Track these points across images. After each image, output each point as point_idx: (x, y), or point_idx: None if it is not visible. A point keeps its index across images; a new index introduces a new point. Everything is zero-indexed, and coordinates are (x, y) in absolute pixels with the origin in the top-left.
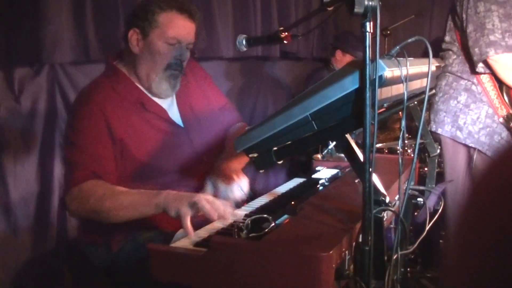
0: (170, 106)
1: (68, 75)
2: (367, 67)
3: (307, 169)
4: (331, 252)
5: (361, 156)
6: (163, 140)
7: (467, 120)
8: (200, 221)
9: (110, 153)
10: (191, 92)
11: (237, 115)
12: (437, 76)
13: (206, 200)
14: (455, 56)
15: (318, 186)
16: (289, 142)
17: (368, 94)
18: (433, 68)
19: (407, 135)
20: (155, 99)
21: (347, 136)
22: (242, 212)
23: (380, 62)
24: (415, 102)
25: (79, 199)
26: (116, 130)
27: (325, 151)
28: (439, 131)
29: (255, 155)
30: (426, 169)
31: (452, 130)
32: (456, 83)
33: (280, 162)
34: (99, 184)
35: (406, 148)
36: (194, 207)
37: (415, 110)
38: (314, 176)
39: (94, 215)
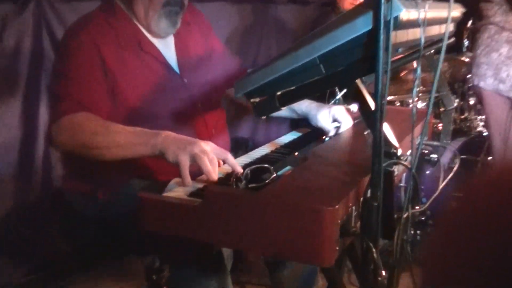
0: (168, 49)
1: (56, 11)
2: (382, 6)
3: None
4: (336, 206)
5: (372, 105)
6: (157, 84)
7: (510, 73)
8: (198, 169)
9: (102, 88)
10: (191, 37)
11: (238, 63)
12: (479, 29)
13: (207, 155)
14: (497, 7)
15: (323, 137)
16: (294, 87)
17: (381, 37)
18: (455, 13)
19: (421, 87)
20: (153, 40)
21: (358, 81)
22: (241, 161)
23: (396, 1)
24: (432, 51)
25: (69, 131)
26: (109, 65)
27: (333, 100)
28: (481, 84)
29: (257, 100)
30: (440, 125)
31: (494, 83)
32: (498, 35)
33: (283, 109)
34: (92, 118)
35: (419, 100)
36: (193, 159)
37: (431, 59)
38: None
39: (84, 150)
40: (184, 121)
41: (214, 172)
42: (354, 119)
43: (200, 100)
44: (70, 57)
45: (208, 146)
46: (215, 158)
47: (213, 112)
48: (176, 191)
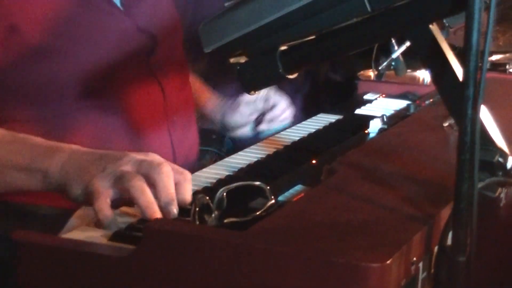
0: None
1: None
2: None
3: (345, 98)
4: (388, 261)
5: (459, 72)
6: (82, 22)
7: None
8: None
9: None
10: None
11: None
12: None
13: (142, 176)
14: None
15: (365, 131)
16: (312, 38)
17: None
18: None
19: None
20: None
21: (433, 28)
22: (212, 173)
23: None
24: None
25: None
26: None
27: (384, 62)
28: None
29: (242, 59)
30: None
31: None
32: None
33: (291, 77)
34: None
35: None
36: (119, 183)
37: None
38: (358, 111)
39: None
40: (124, 92)
41: (170, 194)
42: (419, 99)
43: (156, 56)
44: None
45: (145, 155)
46: (167, 167)
47: (176, 79)
48: (87, 230)
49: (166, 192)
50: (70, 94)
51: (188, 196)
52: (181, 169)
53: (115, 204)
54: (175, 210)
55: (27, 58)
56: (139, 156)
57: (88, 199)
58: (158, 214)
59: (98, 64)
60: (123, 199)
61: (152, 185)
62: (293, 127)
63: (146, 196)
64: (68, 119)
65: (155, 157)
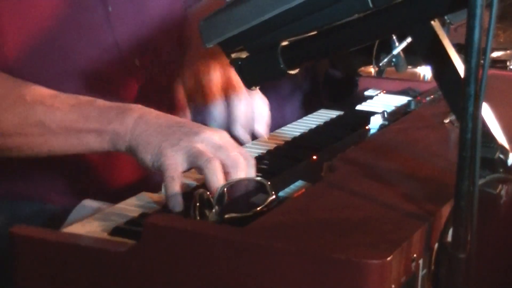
0: None
1: None
2: None
3: (347, 94)
4: (389, 258)
5: (461, 69)
6: (57, 13)
7: None
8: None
9: None
10: None
11: None
12: None
13: (220, 154)
14: None
15: (366, 127)
16: (313, 33)
17: None
18: None
19: None
20: None
21: (435, 24)
22: None
23: None
24: None
25: None
26: None
27: (385, 59)
28: None
29: (243, 55)
30: None
31: None
32: None
33: (293, 72)
34: None
35: None
36: (193, 160)
37: None
38: (359, 107)
39: None
40: (106, 90)
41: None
42: (420, 95)
43: (137, 50)
44: None
45: (221, 138)
46: (242, 162)
47: (167, 79)
48: (87, 224)
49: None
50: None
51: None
52: (247, 154)
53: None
54: None
55: (19, 58)
56: (215, 137)
57: (159, 167)
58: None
59: (82, 60)
60: (146, 185)
61: (225, 173)
62: (294, 123)
63: (216, 179)
64: None
65: (228, 141)
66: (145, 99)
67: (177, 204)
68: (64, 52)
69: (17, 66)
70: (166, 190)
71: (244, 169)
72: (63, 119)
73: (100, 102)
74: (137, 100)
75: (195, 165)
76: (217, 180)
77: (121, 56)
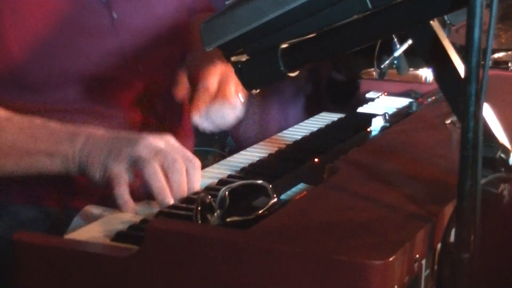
0: None
1: None
2: None
3: (349, 97)
4: (391, 258)
5: (461, 69)
6: (62, 17)
7: None
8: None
9: None
10: None
11: None
12: None
13: (165, 159)
14: None
15: (368, 129)
16: (313, 36)
17: None
18: None
19: None
20: None
21: (434, 24)
22: (214, 173)
23: None
24: None
25: None
26: None
27: (387, 61)
28: None
29: (243, 57)
30: None
31: None
32: None
33: (293, 75)
34: None
35: None
36: (135, 167)
37: None
38: (361, 110)
39: None
40: (109, 93)
41: (181, 188)
42: (421, 97)
43: (142, 54)
44: None
45: (163, 142)
46: (181, 163)
47: (167, 82)
48: (89, 230)
49: (178, 188)
50: (61, 94)
51: (197, 184)
52: (191, 157)
53: (137, 197)
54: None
55: (23, 56)
56: (155, 141)
57: (107, 183)
58: (170, 200)
59: (87, 65)
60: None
61: (165, 175)
62: (296, 126)
63: (159, 182)
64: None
65: (169, 145)
66: (146, 103)
67: (130, 209)
68: (68, 53)
69: (22, 65)
70: (116, 199)
71: (182, 171)
72: (14, 141)
73: (53, 124)
74: (138, 105)
75: (138, 169)
76: (157, 180)
77: (125, 61)
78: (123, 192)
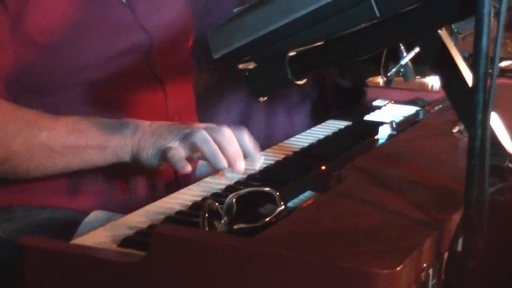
0: None
1: None
2: None
3: (355, 104)
4: (398, 268)
5: (469, 78)
6: (86, 17)
7: None
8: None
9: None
10: None
11: None
12: None
13: (206, 131)
14: None
15: (375, 137)
16: (321, 44)
17: None
18: None
19: None
20: None
21: (442, 33)
22: (220, 180)
23: None
24: None
25: None
26: None
27: (393, 69)
28: None
29: (250, 65)
30: None
31: None
32: None
33: (300, 82)
34: None
35: None
36: (187, 143)
37: None
38: (367, 118)
39: None
40: (125, 89)
41: (237, 159)
42: (428, 105)
43: (161, 58)
44: None
45: (204, 124)
46: (224, 134)
47: (180, 84)
48: (96, 235)
49: (232, 148)
50: (68, 89)
51: (250, 145)
52: (237, 127)
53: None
54: (242, 164)
55: (30, 52)
56: (202, 124)
57: (162, 158)
58: (224, 163)
59: (97, 58)
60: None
61: (218, 145)
62: (303, 134)
63: (210, 145)
64: (68, 114)
65: (211, 124)
66: (163, 99)
67: (190, 169)
68: (87, 50)
69: (44, 61)
70: (175, 165)
71: (231, 136)
72: (65, 140)
73: (97, 119)
74: (155, 100)
75: (190, 143)
76: (208, 144)
77: (145, 57)
78: (180, 159)
